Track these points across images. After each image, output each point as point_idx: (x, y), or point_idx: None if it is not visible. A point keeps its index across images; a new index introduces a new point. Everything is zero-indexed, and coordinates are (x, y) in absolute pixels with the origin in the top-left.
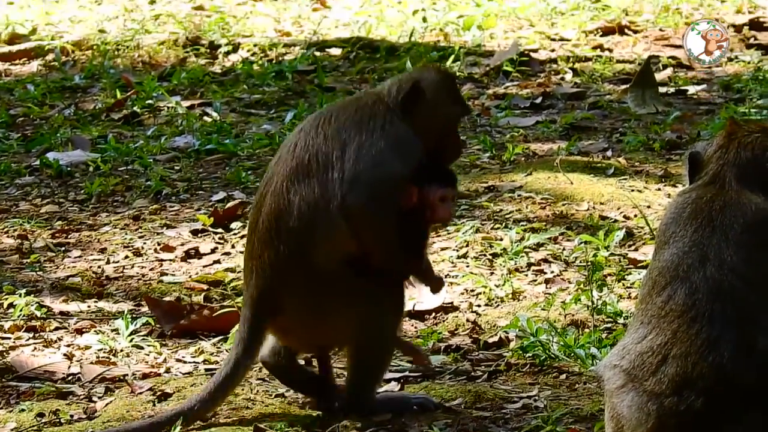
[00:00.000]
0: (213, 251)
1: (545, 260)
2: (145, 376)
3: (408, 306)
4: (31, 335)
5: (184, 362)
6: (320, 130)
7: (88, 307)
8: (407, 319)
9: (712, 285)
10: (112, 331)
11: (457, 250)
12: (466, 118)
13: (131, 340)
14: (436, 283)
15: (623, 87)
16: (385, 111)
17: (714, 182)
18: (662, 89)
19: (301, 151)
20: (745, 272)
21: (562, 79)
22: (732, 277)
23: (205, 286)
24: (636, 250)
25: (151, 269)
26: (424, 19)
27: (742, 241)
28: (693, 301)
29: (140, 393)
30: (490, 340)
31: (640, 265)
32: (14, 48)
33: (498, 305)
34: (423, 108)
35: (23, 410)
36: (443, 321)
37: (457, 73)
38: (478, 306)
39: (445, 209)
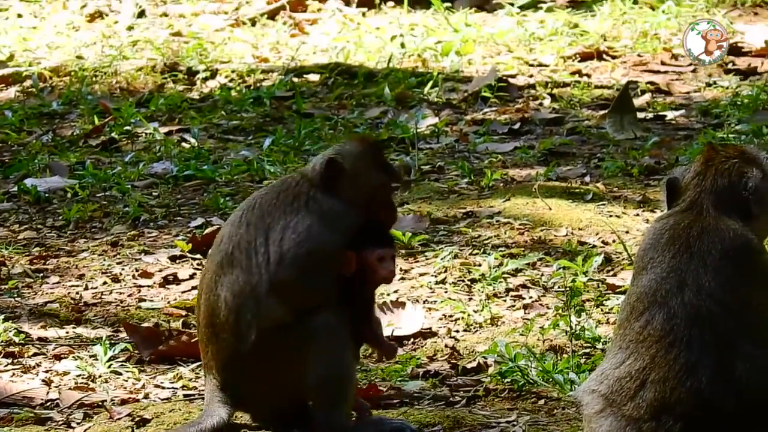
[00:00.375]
0: (191, 277)
1: (524, 286)
2: (123, 402)
3: (387, 331)
4: (9, 361)
5: (163, 388)
6: (243, 219)
7: (67, 333)
8: None
9: (690, 310)
10: (91, 357)
11: (436, 276)
12: (399, 184)
13: (110, 366)
14: (388, 351)
15: (601, 112)
16: (308, 189)
17: (692, 208)
18: (640, 115)
19: (225, 244)
20: (723, 298)
21: (541, 104)
22: (710, 303)
23: (183, 312)
24: (614, 275)
25: (130, 295)
26: (402, 45)
27: (720, 267)
28: (671, 327)
29: (119, 419)
30: (469, 366)
31: (618, 290)
32: None
33: (476, 331)
34: (345, 182)
35: None
36: (422, 346)
37: (435, 99)
38: (457, 331)
39: (385, 268)
